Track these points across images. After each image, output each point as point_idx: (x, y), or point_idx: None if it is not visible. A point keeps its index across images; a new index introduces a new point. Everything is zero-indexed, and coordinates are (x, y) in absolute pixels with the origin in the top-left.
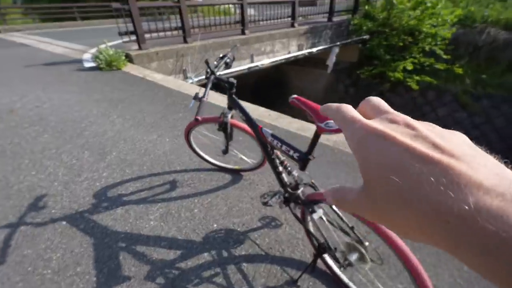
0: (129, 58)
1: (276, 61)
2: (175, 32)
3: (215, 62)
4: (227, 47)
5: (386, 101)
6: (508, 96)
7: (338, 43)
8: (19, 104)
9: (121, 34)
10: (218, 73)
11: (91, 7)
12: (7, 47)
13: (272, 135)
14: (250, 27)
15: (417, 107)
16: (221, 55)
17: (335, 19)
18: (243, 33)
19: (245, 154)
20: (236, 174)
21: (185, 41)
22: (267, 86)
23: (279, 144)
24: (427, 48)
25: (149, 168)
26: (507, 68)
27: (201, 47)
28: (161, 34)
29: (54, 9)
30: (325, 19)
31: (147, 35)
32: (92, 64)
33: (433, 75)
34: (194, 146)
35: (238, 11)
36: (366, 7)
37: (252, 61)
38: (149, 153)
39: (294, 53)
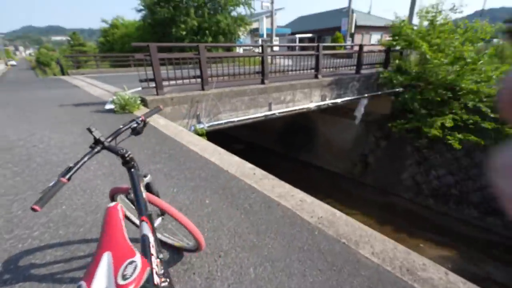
0: (145, 103)
1: (295, 110)
2: (193, 80)
3: (122, 129)
4: (244, 95)
5: (423, 159)
6: None
7: (367, 95)
8: (22, 142)
9: (141, 81)
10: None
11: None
12: (59, 88)
13: (144, 236)
14: (270, 77)
15: (462, 169)
16: (121, 126)
17: (364, 71)
18: (262, 82)
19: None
20: (179, 253)
21: (203, 89)
22: (294, 132)
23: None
24: (470, 104)
25: (86, 231)
26: None
27: (216, 94)
28: (179, 81)
29: (116, 58)
30: (353, 71)
31: (165, 82)
32: (112, 106)
33: (479, 134)
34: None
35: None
36: (397, 61)
37: (270, 109)
38: (99, 210)
39: (317, 103)
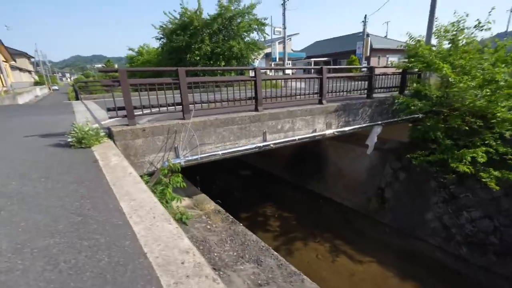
0: (110, 134)
1: (294, 141)
2: (172, 108)
3: None
4: (233, 124)
5: (451, 197)
6: None
7: (380, 122)
8: None
9: (109, 109)
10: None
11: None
12: (59, 114)
13: None
14: (265, 103)
15: (502, 212)
16: None
17: (378, 95)
18: (256, 109)
19: None
20: None
21: (183, 117)
22: (303, 159)
23: None
24: (507, 134)
25: None
26: None
27: (198, 124)
28: (155, 110)
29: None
30: (364, 96)
31: (139, 112)
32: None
33: None
34: None
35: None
36: (415, 84)
37: (264, 139)
38: None
39: (321, 132)
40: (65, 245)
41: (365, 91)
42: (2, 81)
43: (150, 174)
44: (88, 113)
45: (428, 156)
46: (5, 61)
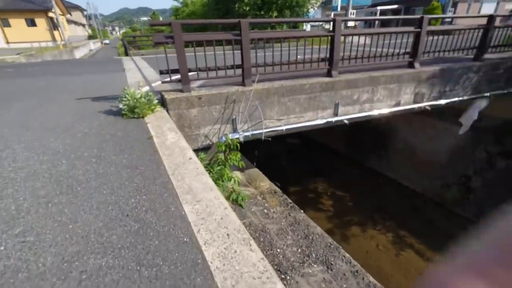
0: (163, 102)
1: (373, 116)
2: (230, 72)
3: None
4: (300, 93)
5: None
6: None
7: (488, 93)
8: None
9: (162, 72)
10: None
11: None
12: (108, 72)
13: None
14: (341, 66)
15: None
16: None
17: (490, 55)
18: (328, 74)
19: None
20: None
21: (243, 83)
22: (362, 130)
23: None
24: None
25: None
26: None
27: (261, 92)
28: (212, 74)
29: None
30: (469, 56)
31: (193, 75)
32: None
33: None
34: None
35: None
36: None
37: (336, 113)
38: None
39: (408, 105)
40: (120, 272)
41: (473, 50)
42: (60, 35)
43: (206, 148)
44: (138, 73)
45: None
46: (61, 15)
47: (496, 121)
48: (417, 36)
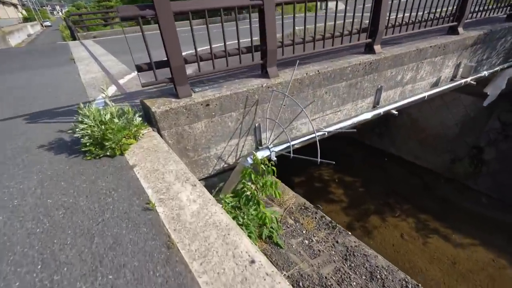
0: (150, 118)
1: (421, 99)
2: (246, 59)
3: None
4: (338, 80)
5: None
6: None
7: None
8: None
9: (140, 69)
10: None
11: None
12: (51, 66)
13: None
14: (384, 38)
15: None
16: None
17: None
18: (369, 49)
19: None
20: None
21: (266, 74)
22: None
23: None
24: None
25: None
26: None
27: (293, 83)
28: (220, 65)
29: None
30: (502, 15)
31: (190, 67)
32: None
33: None
34: None
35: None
36: None
37: (377, 100)
38: None
39: (450, 83)
40: None
41: (506, 9)
42: None
43: (219, 174)
44: (95, 64)
45: None
46: None
47: (509, 88)
48: None
